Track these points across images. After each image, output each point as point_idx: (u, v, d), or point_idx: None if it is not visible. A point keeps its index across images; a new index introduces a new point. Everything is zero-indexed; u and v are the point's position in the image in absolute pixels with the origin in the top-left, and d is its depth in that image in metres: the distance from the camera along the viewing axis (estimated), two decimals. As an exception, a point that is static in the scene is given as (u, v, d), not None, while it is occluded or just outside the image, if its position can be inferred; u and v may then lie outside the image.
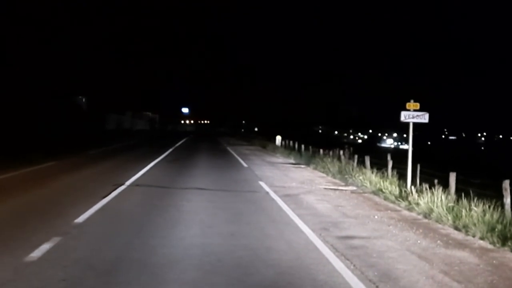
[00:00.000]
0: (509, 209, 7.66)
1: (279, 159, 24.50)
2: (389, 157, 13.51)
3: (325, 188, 12.65)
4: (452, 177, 9.57)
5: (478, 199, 8.27)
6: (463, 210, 8.09)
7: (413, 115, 11.11)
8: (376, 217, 8.70)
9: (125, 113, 64.44)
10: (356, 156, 16.40)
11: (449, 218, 8.14)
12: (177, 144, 34.65)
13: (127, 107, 63.78)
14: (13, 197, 9.08)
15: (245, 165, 19.23)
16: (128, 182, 11.65)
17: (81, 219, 7.27)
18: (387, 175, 12.83)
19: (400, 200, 10.19)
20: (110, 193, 9.88)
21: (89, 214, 7.68)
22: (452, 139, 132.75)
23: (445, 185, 9.51)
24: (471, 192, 8.78)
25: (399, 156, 14.10)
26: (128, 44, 61.04)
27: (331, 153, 19.67)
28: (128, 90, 58.42)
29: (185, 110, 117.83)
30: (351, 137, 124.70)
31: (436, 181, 9.70)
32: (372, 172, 13.52)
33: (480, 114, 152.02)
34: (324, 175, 16.45)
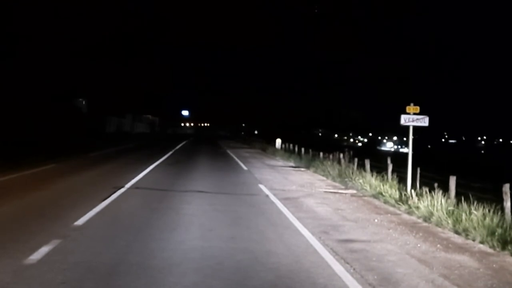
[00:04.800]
0: (509, 213, 7.66)
1: (279, 162, 24.51)
2: (389, 161, 13.52)
3: (325, 191, 12.65)
4: (452, 181, 9.57)
5: (478, 203, 8.27)
6: (463, 214, 8.09)
7: (413, 118, 11.13)
8: (376, 220, 8.69)
9: (125, 115, 64.41)
10: (356, 160, 16.41)
11: (449, 222, 8.13)
12: (177, 147, 34.66)
13: (127, 109, 63.74)
14: (12, 199, 9.05)
15: (245, 168, 19.23)
16: (128, 185, 11.64)
17: (80, 221, 7.26)
18: (387, 178, 12.83)
19: (400, 203, 10.18)
20: (109, 195, 9.87)
21: (88, 216, 7.67)
22: (452, 142, 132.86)
23: (445, 189, 9.51)
24: (471, 196, 8.79)
25: (399, 159, 14.11)
26: (129, 46, 61.02)
27: (331, 156, 19.68)
28: (128, 92, 58.38)
29: (185, 113, 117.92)
30: (351, 140, 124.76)
31: (436, 184, 9.70)
32: (372, 176, 13.52)
33: (480, 118, 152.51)
34: (324, 178, 16.45)
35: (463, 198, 8.77)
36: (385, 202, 10.91)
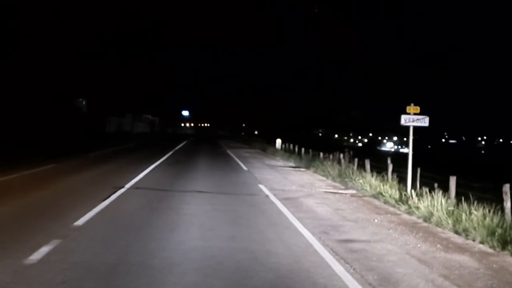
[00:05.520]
0: (509, 213, 7.66)
1: (279, 162, 24.51)
2: (389, 161, 13.52)
3: (325, 192, 12.65)
4: (452, 181, 9.57)
5: (478, 203, 8.27)
6: (463, 214, 8.09)
7: (413, 118, 11.12)
8: (376, 220, 8.69)
9: (125, 115, 64.41)
10: (356, 160, 16.40)
11: (449, 222, 8.13)
12: (177, 147, 34.66)
13: (127, 109, 63.72)
14: (12, 199, 9.06)
15: (245, 168, 19.23)
16: (128, 185, 11.64)
17: (80, 221, 7.26)
18: (387, 178, 12.83)
19: (400, 203, 10.18)
20: (109, 196, 9.87)
21: (88, 217, 7.67)
22: (452, 142, 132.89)
23: (445, 189, 9.51)
24: (471, 196, 8.78)
25: (399, 159, 14.09)
26: (129, 46, 61.05)
27: (331, 156, 19.68)
28: (128, 92, 58.38)
29: (185, 113, 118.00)
30: (351, 140, 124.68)
31: (436, 184, 9.70)
32: (372, 176, 13.52)
33: (480, 118, 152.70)
34: (324, 178, 16.45)
35: (463, 198, 8.77)
36: (385, 202, 10.91)
